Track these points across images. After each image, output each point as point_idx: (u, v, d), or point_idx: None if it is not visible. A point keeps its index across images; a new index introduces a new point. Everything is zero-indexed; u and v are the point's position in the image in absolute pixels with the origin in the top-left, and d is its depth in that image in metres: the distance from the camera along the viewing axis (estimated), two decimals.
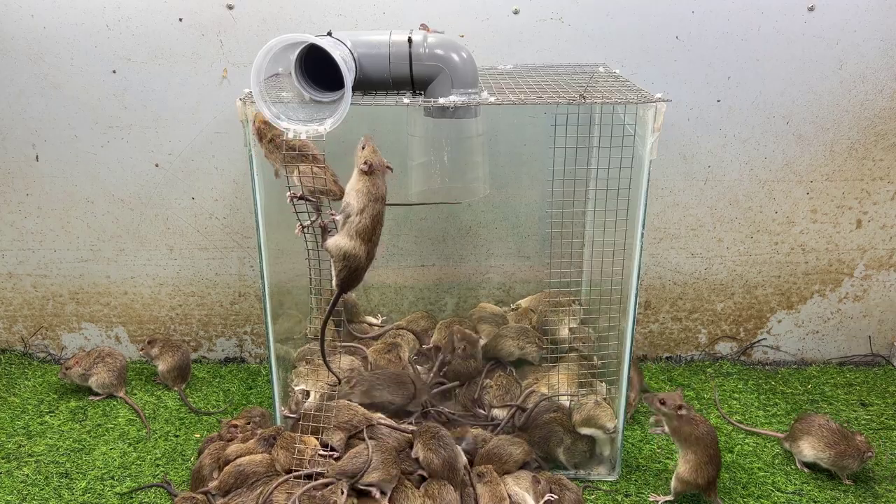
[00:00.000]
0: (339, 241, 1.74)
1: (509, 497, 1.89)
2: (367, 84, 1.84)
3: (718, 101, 2.39)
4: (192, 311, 2.70)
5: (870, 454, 2.04)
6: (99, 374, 2.47)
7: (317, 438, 1.93)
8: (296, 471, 1.86)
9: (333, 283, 1.80)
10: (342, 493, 1.78)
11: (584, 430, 2.08)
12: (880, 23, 2.29)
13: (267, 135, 1.81)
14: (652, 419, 2.27)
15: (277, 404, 2.16)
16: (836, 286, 2.65)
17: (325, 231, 1.83)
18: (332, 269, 1.79)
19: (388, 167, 1.75)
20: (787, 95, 2.38)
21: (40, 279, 2.66)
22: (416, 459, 1.93)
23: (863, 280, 2.64)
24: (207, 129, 2.42)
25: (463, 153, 2.18)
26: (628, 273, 1.94)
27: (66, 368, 2.48)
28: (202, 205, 2.54)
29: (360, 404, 2.04)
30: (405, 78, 1.81)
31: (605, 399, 2.12)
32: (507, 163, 2.45)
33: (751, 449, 2.25)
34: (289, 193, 1.81)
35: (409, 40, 1.79)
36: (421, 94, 1.84)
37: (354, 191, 1.73)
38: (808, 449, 2.11)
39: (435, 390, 2.27)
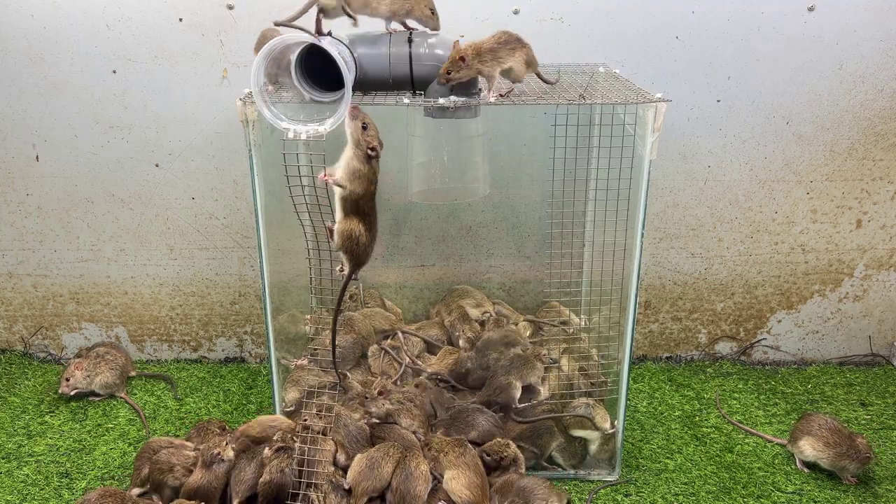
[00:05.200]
0: (343, 224, 1.75)
1: None
2: (368, 84, 1.84)
3: (718, 101, 2.39)
4: (192, 311, 2.70)
5: (868, 455, 2.03)
6: (103, 373, 2.46)
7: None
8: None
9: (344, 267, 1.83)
10: None
11: (578, 433, 2.08)
12: (880, 23, 2.29)
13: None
14: None
15: (277, 404, 2.16)
16: (836, 286, 2.65)
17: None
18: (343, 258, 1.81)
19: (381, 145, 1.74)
20: (787, 95, 2.38)
21: (40, 279, 2.66)
22: None
23: (863, 280, 2.64)
24: (207, 129, 2.42)
25: (463, 153, 2.18)
26: (628, 273, 1.94)
27: (67, 378, 2.43)
28: (202, 205, 2.54)
29: None
30: (405, 78, 1.82)
31: (597, 401, 2.11)
32: (507, 163, 2.44)
33: (751, 449, 2.25)
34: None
35: (409, 40, 1.79)
36: (421, 94, 1.84)
37: (353, 174, 1.71)
38: (809, 449, 2.11)
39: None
